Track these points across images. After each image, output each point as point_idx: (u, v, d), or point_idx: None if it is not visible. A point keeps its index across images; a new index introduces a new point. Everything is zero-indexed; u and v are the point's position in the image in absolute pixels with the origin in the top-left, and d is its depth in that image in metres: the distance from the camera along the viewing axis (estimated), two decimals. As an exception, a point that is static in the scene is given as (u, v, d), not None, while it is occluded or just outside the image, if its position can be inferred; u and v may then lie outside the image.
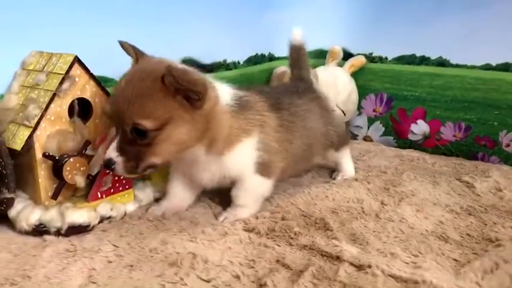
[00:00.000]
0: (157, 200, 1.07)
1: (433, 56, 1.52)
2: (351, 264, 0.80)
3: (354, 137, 1.72)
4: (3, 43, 1.00)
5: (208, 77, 0.93)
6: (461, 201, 1.09)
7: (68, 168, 0.93)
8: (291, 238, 0.89)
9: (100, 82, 1.00)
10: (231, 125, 0.92)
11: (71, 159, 0.93)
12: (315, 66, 1.61)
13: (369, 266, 0.78)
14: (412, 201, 1.07)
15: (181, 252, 0.83)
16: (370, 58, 1.66)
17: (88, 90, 0.98)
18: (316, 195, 1.09)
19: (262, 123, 0.98)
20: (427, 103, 1.55)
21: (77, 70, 0.95)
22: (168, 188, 1.05)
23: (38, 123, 0.92)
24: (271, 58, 1.61)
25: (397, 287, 0.74)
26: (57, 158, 0.93)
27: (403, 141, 1.62)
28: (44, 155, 0.92)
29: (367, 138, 1.69)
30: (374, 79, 1.65)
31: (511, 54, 1.37)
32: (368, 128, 1.69)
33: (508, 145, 1.41)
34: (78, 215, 0.93)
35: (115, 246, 0.86)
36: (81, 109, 1.00)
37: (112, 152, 0.85)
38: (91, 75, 0.98)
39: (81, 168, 0.95)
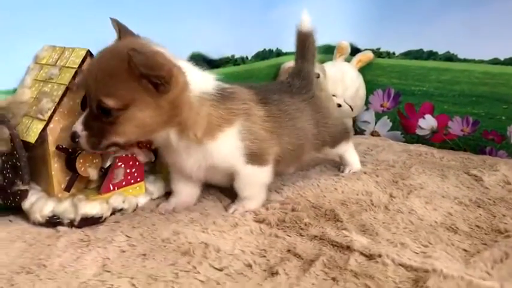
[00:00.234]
0: (168, 194, 1.08)
1: (441, 51, 1.53)
2: (361, 253, 0.81)
3: (362, 132, 1.72)
4: (15, 38, 1.01)
5: (184, 63, 0.91)
6: (469, 194, 1.09)
7: (81, 161, 0.94)
8: (301, 229, 0.90)
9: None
10: (210, 113, 0.91)
11: (84, 152, 0.94)
12: (322, 62, 1.61)
13: (379, 256, 0.79)
14: (420, 193, 1.08)
15: (193, 242, 0.84)
16: (378, 53, 1.66)
17: (100, 84, 0.99)
18: (326, 188, 1.10)
19: (247, 111, 0.96)
20: (435, 98, 1.56)
21: (89, 64, 0.97)
22: (172, 187, 1.05)
23: (51, 116, 0.93)
24: (279, 54, 1.62)
25: (408, 275, 0.74)
26: (70, 150, 0.94)
27: (410, 136, 1.62)
28: (57, 147, 0.93)
29: (374, 133, 1.70)
30: (381, 74, 1.66)
31: (519, 48, 1.38)
32: (375, 123, 1.70)
33: (516, 139, 1.42)
34: (91, 206, 0.94)
35: (128, 236, 0.87)
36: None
37: (78, 126, 0.86)
38: (103, 69, 0.99)
39: (94, 161, 0.96)
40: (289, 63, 1.57)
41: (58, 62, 0.99)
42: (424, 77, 1.57)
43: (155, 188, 1.07)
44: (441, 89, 1.54)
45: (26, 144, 0.92)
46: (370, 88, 1.68)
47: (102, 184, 1.00)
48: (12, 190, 0.94)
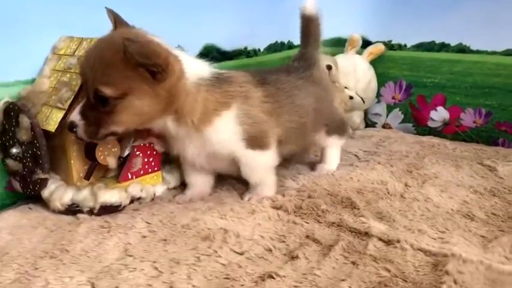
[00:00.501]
0: (184, 184, 1.08)
1: (453, 43, 1.53)
2: (380, 239, 0.82)
3: (373, 124, 1.73)
4: (33, 29, 1.02)
5: (178, 51, 0.91)
6: (484, 183, 1.09)
7: (101, 149, 0.95)
8: (319, 216, 0.91)
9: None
10: (206, 98, 0.91)
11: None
12: (333, 54, 1.62)
13: (398, 241, 0.80)
14: (435, 182, 1.08)
15: (212, 228, 0.85)
16: (389, 46, 1.66)
17: (118, 74, 1.00)
18: (340, 177, 1.11)
19: (244, 94, 0.96)
20: (447, 90, 1.55)
21: (107, 54, 0.98)
22: (186, 179, 1.06)
23: (70, 105, 0.94)
24: (291, 46, 1.63)
25: (427, 260, 0.75)
26: (89, 139, 0.96)
27: (422, 128, 1.62)
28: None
29: (386, 126, 1.70)
30: (393, 67, 1.66)
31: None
32: (387, 115, 1.70)
33: (529, 130, 1.42)
34: (110, 195, 0.95)
35: (148, 223, 0.88)
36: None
37: (75, 115, 0.86)
38: (121, 59, 1.00)
39: (113, 150, 0.97)
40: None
41: (76, 52, 1.00)
42: (436, 69, 1.57)
43: (172, 177, 1.08)
44: (453, 80, 1.54)
45: (46, 133, 0.94)
46: (381, 80, 1.68)
47: (120, 173, 1.01)
48: (32, 179, 0.95)
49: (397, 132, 1.61)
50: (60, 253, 0.79)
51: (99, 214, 0.94)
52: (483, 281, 0.68)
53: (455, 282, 0.68)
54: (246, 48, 1.49)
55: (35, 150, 0.93)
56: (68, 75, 0.98)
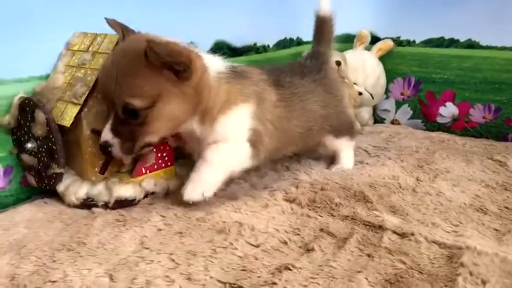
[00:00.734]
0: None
1: (462, 38, 1.53)
2: (394, 232, 0.82)
3: (382, 120, 1.73)
4: (46, 26, 1.03)
5: (194, 48, 0.92)
6: (496, 178, 1.10)
7: (115, 144, 0.96)
8: (332, 209, 0.91)
9: (142, 61, 1.03)
10: (228, 90, 0.91)
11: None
12: (342, 51, 1.62)
13: (412, 234, 0.80)
14: (447, 177, 1.09)
15: (227, 221, 0.86)
16: (398, 42, 1.66)
17: (131, 69, 1.01)
18: (352, 172, 1.11)
19: (259, 95, 0.95)
20: (456, 85, 1.56)
21: (121, 49, 0.98)
22: None
23: (85, 100, 0.95)
24: (299, 42, 1.63)
25: (441, 252, 0.76)
26: (104, 134, 0.96)
27: (431, 124, 1.63)
28: (92, 131, 0.95)
29: (394, 122, 1.70)
30: (401, 63, 1.66)
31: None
32: (396, 111, 1.70)
33: (539, 125, 1.41)
34: (125, 189, 0.96)
35: (163, 216, 0.89)
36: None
37: (107, 135, 0.84)
38: (134, 55, 1.01)
39: (127, 144, 0.98)
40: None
41: (90, 48, 1.01)
42: (445, 65, 1.57)
43: (185, 171, 1.09)
44: (462, 76, 1.54)
45: (61, 128, 0.95)
46: (390, 76, 1.68)
47: (134, 168, 1.02)
48: (47, 173, 0.96)
49: (406, 128, 1.61)
50: (77, 246, 0.80)
51: (113, 208, 0.95)
52: (499, 273, 0.68)
53: (470, 274, 0.68)
54: (255, 44, 1.49)
55: (50, 145, 0.94)
56: (83, 70, 0.99)
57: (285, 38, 1.59)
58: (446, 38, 1.56)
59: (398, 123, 1.69)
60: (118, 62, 0.82)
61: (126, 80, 0.80)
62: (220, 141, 0.92)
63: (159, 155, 1.04)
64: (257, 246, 0.78)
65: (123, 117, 0.83)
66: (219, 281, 0.68)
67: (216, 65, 0.92)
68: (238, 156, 0.94)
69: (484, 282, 0.66)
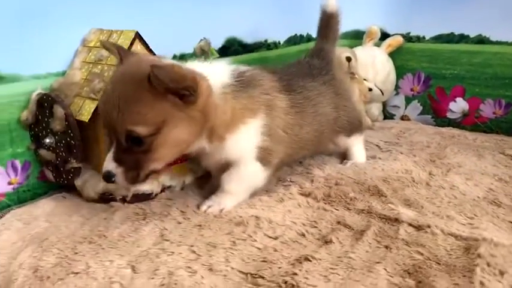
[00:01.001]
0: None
1: (473, 34, 1.53)
2: (410, 225, 0.83)
3: (391, 116, 1.73)
4: (63, 23, 1.04)
5: (195, 63, 0.88)
6: (508, 172, 1.10)
7: (132, 139, 0.97)
8: (348, 203, 0.92)
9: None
10: (234, 108, 0.86)
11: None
12: (351, 47, 1.63)
13: (428, 226, 0.81)
14: (460, 171, 1.10)
15: (244, 216, 0.87)
16: (408, 38, 1.67)
17: (147, 65, 1.02)
18: (365, 167, 1.12)
19: (270, 103, 0.92)
20: (466, 81, 1.56)
21: (137, 46, 0.99)
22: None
23: (103, 96, 0.96)
24: (310, 39, 1.64)
25: (458, 244, 0.76)
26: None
27: (441, 120, 1.63)
28: (109, 125, 0.97)
29: (404, 118, 1.70)
30: (411, 59, 1.67)
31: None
32: (405, 107, 1.70)
33: (550, 120, 1.42)
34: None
35: (182, 211, 0.90)
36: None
37: (110, 164, 0.80)
38: (150, 51, 1.02)
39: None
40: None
41: (107, 44, 1.02)
42: (455, 60, 1.57)
43: (199, 167, 1.10)
44: (473, 72, 1.54)
45: (79, 123, 0.96)
46: (399, 72, 1.68)
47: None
48: (65, 168, 0.98)
49: (416, 123, 1.61)
50: (98, 238, 0.81)
51: (131, 202, 0.96)
52: (516, 264, 0.69)
53: (488, 264, 0.69)
54: (266, 40, 1.50)
55: (68, 139, 0.96)
56: (100, 66, 1.00)
57: (295, 34, 1.60)
58: (456, 33, 1.56)
59: (408, 119, 1.69)
60: (119, 87, 0.78)
61: (128, 107, 0.76)
62: (229, 162, 0.91)
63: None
64: (275, 238, 0.79)
65: (127, 145, 0.78)
66: (240, 272, 0.70)
67: (221, 78, 0.87)
68: (253, 178, 0.94)
69: (502, 273, 0.67)
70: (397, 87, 1.70)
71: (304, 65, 1.13)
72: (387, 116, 1.74)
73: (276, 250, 0.75)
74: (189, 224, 0.85)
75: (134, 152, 0.79)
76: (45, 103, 0.98)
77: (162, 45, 1.10)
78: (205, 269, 0.70)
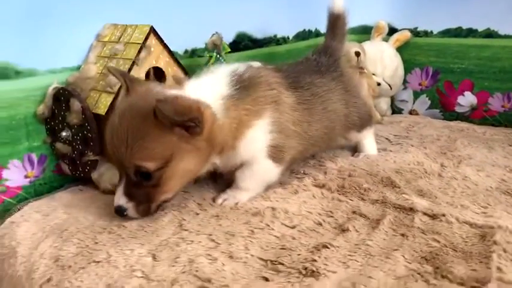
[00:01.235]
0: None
1: (481, 28, 1.54)
2: (425, 214, 0.84)
3: (400, 111, 1.74)
4: (77, 18, 1.06)
5: (192, 81, 0.89)
6: (520, 163, 1.11)
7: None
8: (362, 194, 0.93)
9: (172, 53, 1.06)
10: (236, 118, 0.86)
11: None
12: (360, 42, 1.63)
13: (443, 215, 0.82)
14: (471, 162, 1.10)
15: (259, 207, 0.88)
16: (415, 32, 1.67)
17: (162, 60, 1.04)
18: (377, 159, 1.13)
19: (276, 99, 0.91)
20: (475, 75, 1.56)
21: (152, 40, 1.01)
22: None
23: (119, 89, 0.97)
24: (318, 34, 1.65)
25: (474, 231, 0.77)
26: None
27: (449, 114, 1.64)
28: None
29: (413, 112, 1.71)
30: (419, 53, 1.67)
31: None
32: (414, 101, 1.71)
33: (559, 113, 1.42)
34: (157, 175, 0.98)
35: (198, 204, 0.91)
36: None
37: (121, 199, 0.82)
38: (165, 46, 1.03)
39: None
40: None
41: (121, 38, 1.04)
42: (464, 55, 1.58)
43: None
44: (481, 65, 1.55)
45: (95, 117, 0.97)
46: (407, 67, 1.69)
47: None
48: (82, 161, 0.99)
49: (425, 117, 1.62)
50: (117, 229, 0.82)
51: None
52: (532, 251, 0.70)
53: (504, 251, 0.70)
54: (275, 36, 1.52)
55: (85, 133, 0.97)
56: (115, 60, 1.01)
57: (304, 29, 1.61)
58: (464, 28, 1.57)
59: (417, 114, 1.70)
60: (126, 122, 0.78)
61: (136, 142, 0.77)
62: (242, 162, 0.92)
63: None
64: (293, 227, 0.80)
65: (136, 179, 0.80)
66: (260, 259, 0.71)
67: (220, 91, 0.86)
68: (266, 175, 0.95)
69: (518, 259, 0.68)
70: (405, 81, 1.71)
71: (312, 62, 1.12)
72: (395, 110, 1.75)
73: (294, 238, 0.76)
74: (206, 214, 0.86)
75: (144, 186, 0.81)
76: (62, 97, 0.99)
77: (174, 40, 1.11)
78: (225, 257, 0.72)
